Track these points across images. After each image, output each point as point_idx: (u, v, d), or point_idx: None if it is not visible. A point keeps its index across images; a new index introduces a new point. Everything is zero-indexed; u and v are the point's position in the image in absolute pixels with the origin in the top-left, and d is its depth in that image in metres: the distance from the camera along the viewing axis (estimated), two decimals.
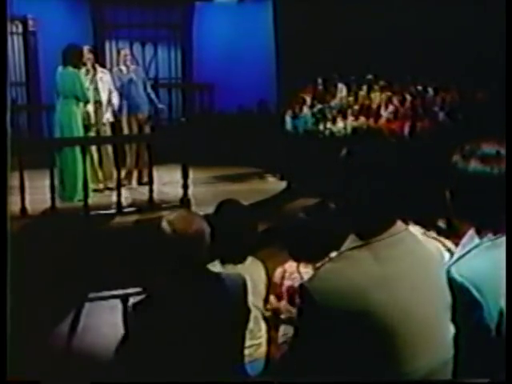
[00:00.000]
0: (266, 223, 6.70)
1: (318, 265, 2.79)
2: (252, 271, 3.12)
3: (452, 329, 1.80)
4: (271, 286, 3.22)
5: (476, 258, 1.79)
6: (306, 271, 3.02)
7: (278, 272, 3.19)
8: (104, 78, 8.17)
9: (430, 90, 10.09)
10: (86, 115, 7.79)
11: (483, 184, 1.77)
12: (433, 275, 1.81)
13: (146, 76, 9.06)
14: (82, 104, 7.64)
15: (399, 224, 1.80)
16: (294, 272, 3.10)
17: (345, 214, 1.83)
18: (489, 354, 1.74)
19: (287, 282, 3.12)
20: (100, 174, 8.13)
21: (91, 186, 7.80)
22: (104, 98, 8.08)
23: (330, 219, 3.05)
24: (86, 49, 8.06)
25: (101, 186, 8.12)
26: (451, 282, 1.78)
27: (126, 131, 8.53)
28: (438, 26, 10.11)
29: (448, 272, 1.79)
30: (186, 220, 2.47)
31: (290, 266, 3.14)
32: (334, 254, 3.07)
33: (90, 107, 7.87)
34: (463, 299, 1.76)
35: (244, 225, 3.23)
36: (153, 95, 8.77)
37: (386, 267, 1.74)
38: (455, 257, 1.87)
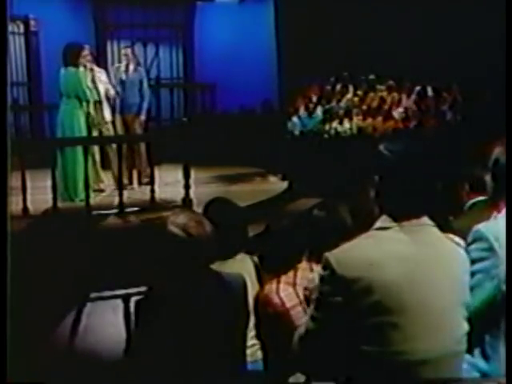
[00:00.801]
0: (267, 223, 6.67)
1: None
2: (241, 268, 3.09)
3: (465, 326, 1.94)
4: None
5: (501, 222, 2.04)
6: (287, 294, 2.80)
7: (262, 296, 2.99)
8: (101, 77, 8.19)
9: (436, 91, 10.06)
10: (88, 115, 7.80)
11: None
12: (452, 270, 1.96)
13: (145, 76, 8.94)
14: (84, 104, 7.65)
15: (425, 218, 1.97)
16: (274, 297, 2.90)
17: (375, 200, 1.98)
18: (498, 306, 1.94)
19: (270, 309, 2.94)
20: (102, 174, 8.14)
21: (94, 185, 7.85)
22: (102, 97, 8.10)
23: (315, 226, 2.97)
24: (86, 48, 8.09)
25: (102, 186, 8.12)
26: (477, 233, 2.03)
27: (117, 131, 8.51)
28: (442, 26, 10.10)
29: (476, 228, 2.05)
30: (199, 223, 2.46)
31: (269, 290, 2.95)
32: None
33: (92, 107, 7.88)
34: (482, 246, 2.00)
35: (233, 223, 3.21)
36: (146, 98, 8.67)
37: (408, 249, 1.90)
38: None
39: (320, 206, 2.97)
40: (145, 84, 8.69)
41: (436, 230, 1.99)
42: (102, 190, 8.06)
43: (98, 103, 8.00)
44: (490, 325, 2.00)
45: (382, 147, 1.96)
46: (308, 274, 2.87)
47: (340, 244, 1.98)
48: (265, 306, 2.83)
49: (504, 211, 2.09)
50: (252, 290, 3.12)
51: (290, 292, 2.82)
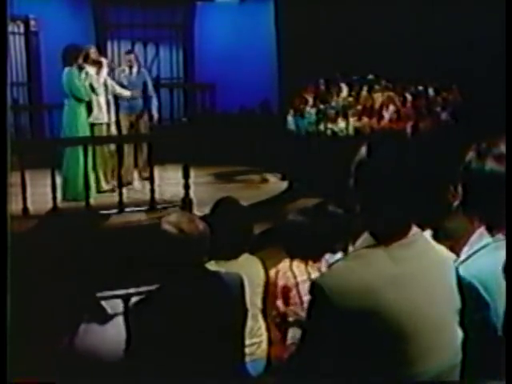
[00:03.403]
0: (268, 223, 6.69)
1: (331, 262, 2.80)
2: (249, 268, 3.11)
3: (461, 333, 1.80)
4: (268, 287, 3.23)
5: (484, 258, 1.79)
6: (299, 270, 3.09)
7: (272, 272, 3.23)
8: (103, 77, 8.20)
9: (432, 90, 10.08)
10: (90, 114, 7.83)
11: (497, 183, 1.75)
12: (444, 279, 1.81)
13: (149, 78, 9.14)
14: (82, 103, 7.68)
15: (414, 228, 1.79)
16: (287, 271, 3.16)
17: (360, 215, 1.79)
18: (495, 356, 1.73)
19: (281, 282, 3.16)
20: (109, 175, 8.15)
21: (103, 185, 7.94)
22: (103, 97, 8.12)
23: (328, 220, 3.13)
24: (92, 48, 8.15)
25: (110, 186, 8.11)
26: (459, 280, 1.79)
27: (121, 131, 8.58)
28: (439, 26, 10.10)
29: (456, 271, 1.80)
30: (191, 220, 2.48)
31: (283, 265, 3.20)
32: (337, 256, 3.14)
33: (95, 105, 7.91)
34: (471, 298, 1.77)
35: (239, 223, 3.24)
36: (153, 99, 8.88)
37: (399, 267, 1.74)
38: (463, 256, 1.86)
39: (335, 203, 3.10)
40: (149, 85, 8.89)
41: (423, 238, 1.83)
42: (110, 190, 8.07)
43: (98, 102, 8.01)
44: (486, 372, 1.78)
45: (363, 152, 1.77)
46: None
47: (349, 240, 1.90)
48: (276, 279, 3.03)
49: (478, 231, 1.84)
50: (256, 288, 3.15)
51: (302, 268, 3.10)
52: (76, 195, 7.53)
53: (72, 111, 7.65)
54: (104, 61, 8.19)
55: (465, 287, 1.79)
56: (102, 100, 8.04)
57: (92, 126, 7.89)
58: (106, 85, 8.17)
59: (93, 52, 8.09)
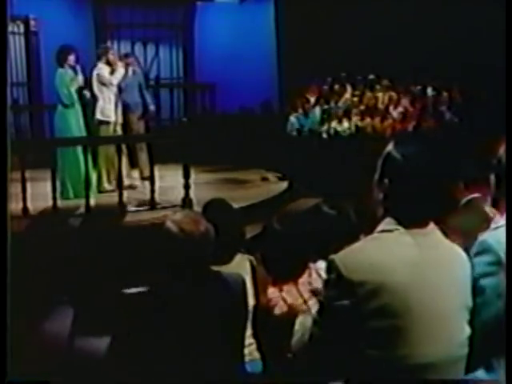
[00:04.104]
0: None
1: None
2: (238, 269, 3.07)
3: (468, 330, 1.90)
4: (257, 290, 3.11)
5: (503, 229, 1.95)
6: (291, 295, 2.78)
7: (264, 300, 2.97)
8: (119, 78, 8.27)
9: (436, 90, 10.07)
10: (80, 116, 7.86)
11: None
12: (456, 273, 1.93)
13: (143, 78, 9.27)
14: (71, 106, 7.71)
15: (432, 224, 1.94)
16: (279, 300, 2.89)
17: (382, 203, 1.94)
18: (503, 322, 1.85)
19: (277, 312, 2.95)
20: (111, 175, 8.16)
21: (105, 186, 8.01)
22: (113, 96, 8.17)
23: (323, 225, 2.87)
24: (112, 49, 8.28)
25: (112, 186, 8.11)
26: (484, 245, 1.94)
27: (117, 131, 8.62)
28: (442, 26, 10.11)
29: (483, 238, 1.96)
30: (194, 221, 2.48)
31: (273, 293, 2.91)
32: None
33: (106, 102, 7.95)
34: (490, 260, 1.92)
35: (229, 225, 3.20)
36: (148, 98, 8.97)
37: (413, 252, 1.87)
38: (491, 228, 2.03)
39: (328, 204, 2.92)
40: (143, 87, 8.97)
41: (439, 233, 1.96)
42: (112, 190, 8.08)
43: (109, 100, 8.05)
44: (495, 341, 1.90)
45: (393, 150, 1.92)
46: (310, 272, 2.87)
47: (345, 244, 1.96)
48: (271, 309, 2.82)
49: (505, 214, 2.01)
50: (250, 285, 3.11)
51: (293, 292, 2.80)
52: (72, 195, 7.56)
53: (62, 114, 7.73)
54: (120, 64, 8.24)
55: (488, 248, 1.93)
56: (113, 98, 8.09)
57: (99, 123, 7.93)
58: (119, 86, 8.25)
59: (112, 53, 8.24)
